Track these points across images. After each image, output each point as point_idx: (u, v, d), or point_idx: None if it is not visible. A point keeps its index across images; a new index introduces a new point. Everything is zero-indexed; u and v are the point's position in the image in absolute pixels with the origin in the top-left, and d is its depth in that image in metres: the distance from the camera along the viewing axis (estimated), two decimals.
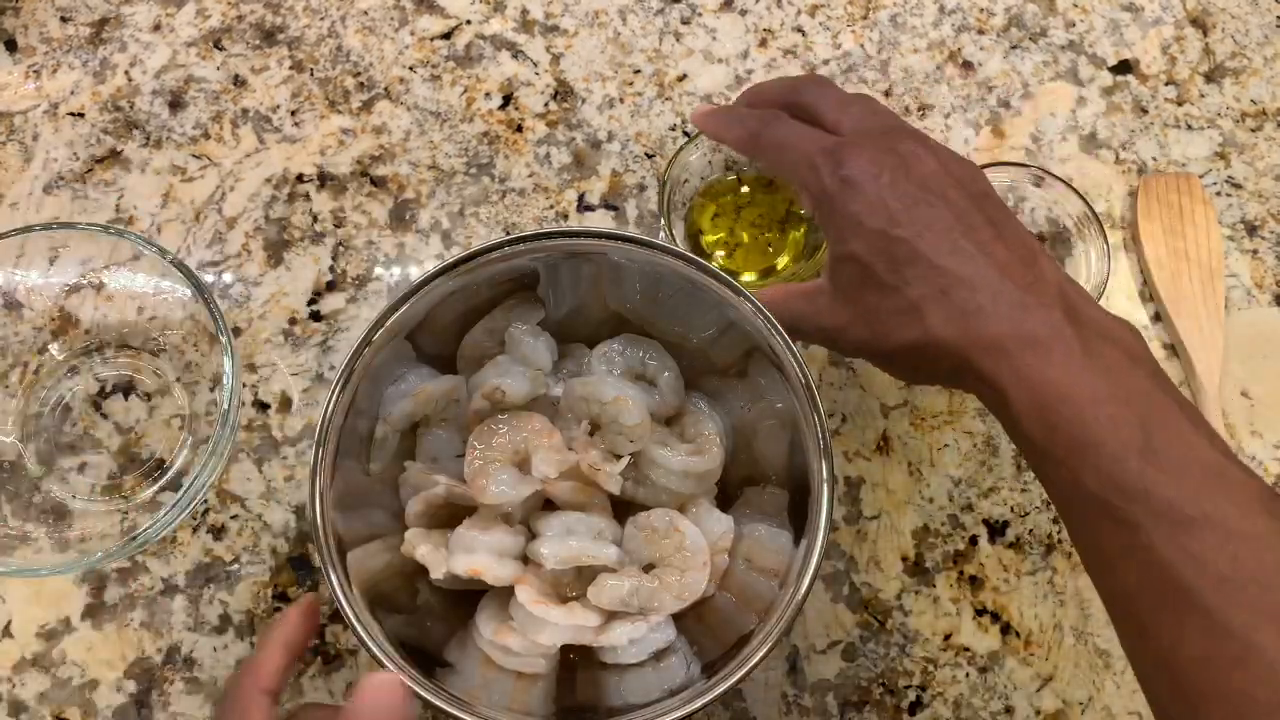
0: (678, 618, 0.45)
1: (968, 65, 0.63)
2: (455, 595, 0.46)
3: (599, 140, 0.61)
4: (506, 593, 0.44)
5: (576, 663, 0.46)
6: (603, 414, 0.45)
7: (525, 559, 0.45)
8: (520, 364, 0.47)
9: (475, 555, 0.43)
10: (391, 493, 0.47)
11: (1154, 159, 0.61)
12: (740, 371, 0.48)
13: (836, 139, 0.43)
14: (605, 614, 0.43)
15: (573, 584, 0.44)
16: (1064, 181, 0.56)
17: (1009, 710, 0.52)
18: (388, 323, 0.43)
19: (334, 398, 0.42)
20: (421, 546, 0.44)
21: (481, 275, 0.45)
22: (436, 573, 0.43)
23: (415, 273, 0.58)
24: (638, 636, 0.43)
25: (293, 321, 0.57)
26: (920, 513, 0.54)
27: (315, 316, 0.57)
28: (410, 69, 0.62)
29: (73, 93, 0.61)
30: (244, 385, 0.56)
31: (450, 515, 0.46)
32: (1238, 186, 0.61)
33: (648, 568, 0.44)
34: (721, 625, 0.45)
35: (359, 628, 0.39)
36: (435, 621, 0.46)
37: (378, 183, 0.60)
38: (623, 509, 0.47)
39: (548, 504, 0.46)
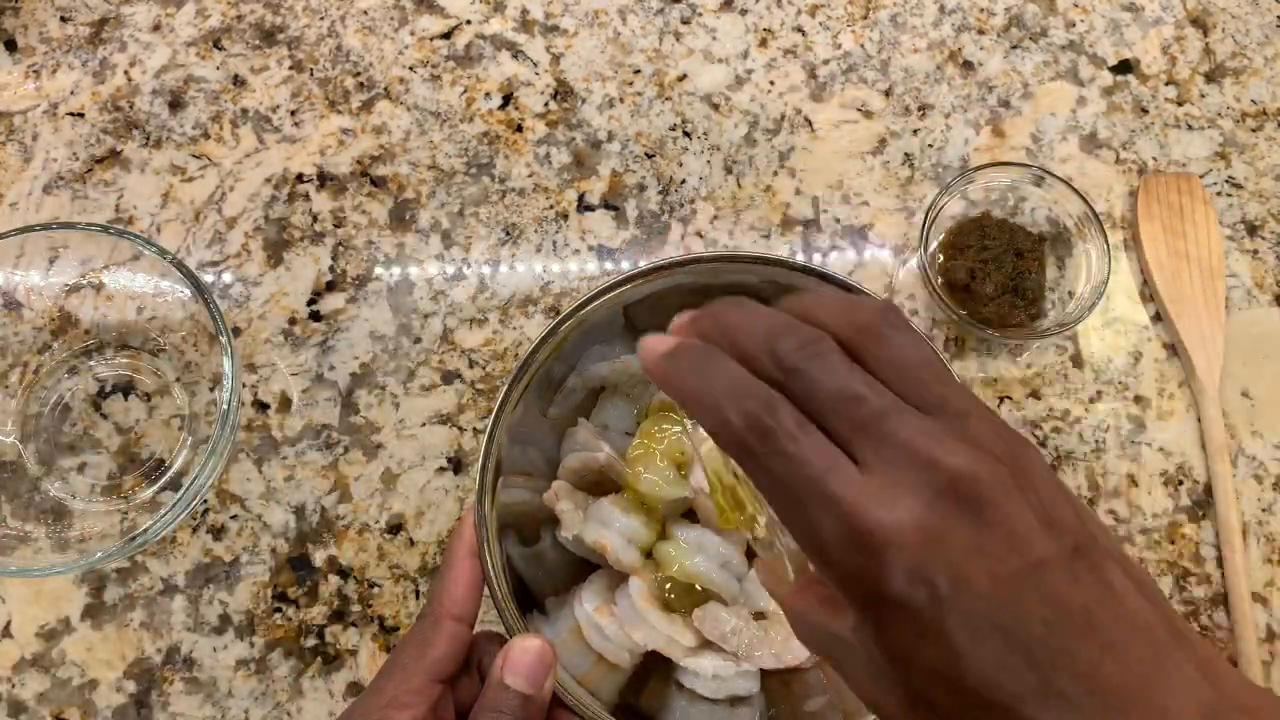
0: (766, 675, 0.45)
1: (968, 65, 0.63)
2: (570, 556, 0.47)
3: (599, 140, 0.61)
4: (618, 578, 0.45)
5: (654, 671, 0.46)
6: None
7: (649, 554, 0.45)
8: None
9: (607, 532, 0.44)
10: (555, 441, 0.49)
11: (1154, 159, 0.61)
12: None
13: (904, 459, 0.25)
14: (701, 640, 0.44)
15: (682, 598, 0.45)
16: (1064, 181, 0.56)
17: None
18: (630, 285, 0.45)
19: (563, 324, 0.44)
20: (564, 502, 0.45)
21: (722, 279, 0.46)
22: (567, 531, 0.45)
23: (415, 272, 0.58)
24: (723, 674, 0.43)
25: (292, 321, 0.57)
26: None
27: (315, 316, 0.57)
28: (410, 69, 0.62)
29: (73, 93, 0.61)
30: (244, 385, 0.56)
31: (597, 483, 0.47)
32: (1238, 186, 0.61)
33: (758, 615, 0.44)
34: (805, 701, 0.44)
35: (487, 551, 0.41)
36: (546, 569, 0.47)
37: (378, 183, 0.60)
38: (754, 550, 0.46)
39: (689, 513, 0.47)
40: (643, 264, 0.46)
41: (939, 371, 0.26)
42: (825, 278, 0.45)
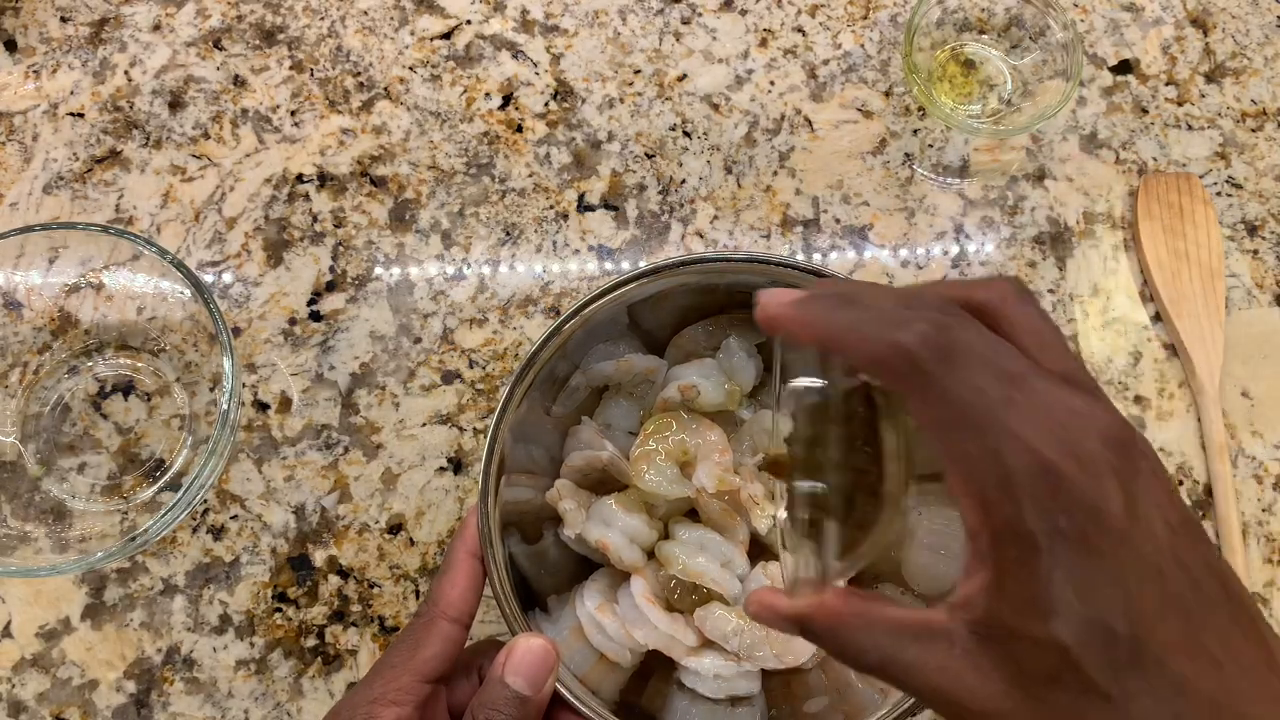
0: (767, 676, 0.45)
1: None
2: (573, 555, 0.47)
3: (599, 140, 0.61)
4: (621, 576, 0.45)
5: (655, 670, 0.46)
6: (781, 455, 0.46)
7: (651, 553, 0.45)
8: (724, 374, 0.47)
9: (609, 531, 0.44)
10: (558, 439, 0.49)
11: (1154, 159, 0.61)
12: (925, 477, 0.48)
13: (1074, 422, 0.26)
14: (703, 639, 0.44)
15: (684, 597, 0.45)
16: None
17: None
18: (635, 284, 0.45)
19: (567, 323, 0.44)
20: (566, 500, 0.45)
21: (727, 279, 0.47)
22: (570, 530, 0.45)
23: (415, 272, 0.58)
24: (724, 674, 0.43)
25: (292, 321, 0.57)
26: None
27: (315, 316, 0.57)
28: (410, 69, 0.62)
29: (73, 93, 0.61)
30: (244, 385, 0.56)
31: (600, 482, 0.47)
32: (1238, 186, 0.61)
33: None
34: (806, 702, 0.45)
35: (490, 549, 0.41)
36: (548, 567, 0.47)
37: (378, 183, 0.60)
38: (756, 551, 0.47)
39: (691, 513, 0.47)
40: (643, 264, 0.46)
41: (1065, 345, 0.28)
42: (828, 279, 0.45)
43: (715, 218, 0.60)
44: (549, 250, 0.59)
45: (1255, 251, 0.60)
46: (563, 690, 0.39)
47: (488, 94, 0.62)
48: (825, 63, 0.63)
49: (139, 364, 0.56)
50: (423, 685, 0.38)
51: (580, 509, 0.45)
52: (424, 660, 0.38)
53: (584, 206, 0.60)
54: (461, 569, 0.41)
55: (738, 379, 0.47)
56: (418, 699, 0.37)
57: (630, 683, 0.45)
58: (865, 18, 0.64)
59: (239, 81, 0.62)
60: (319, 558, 0.54)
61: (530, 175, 0.60)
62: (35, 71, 0.62)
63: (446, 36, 0.63)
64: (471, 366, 0.57)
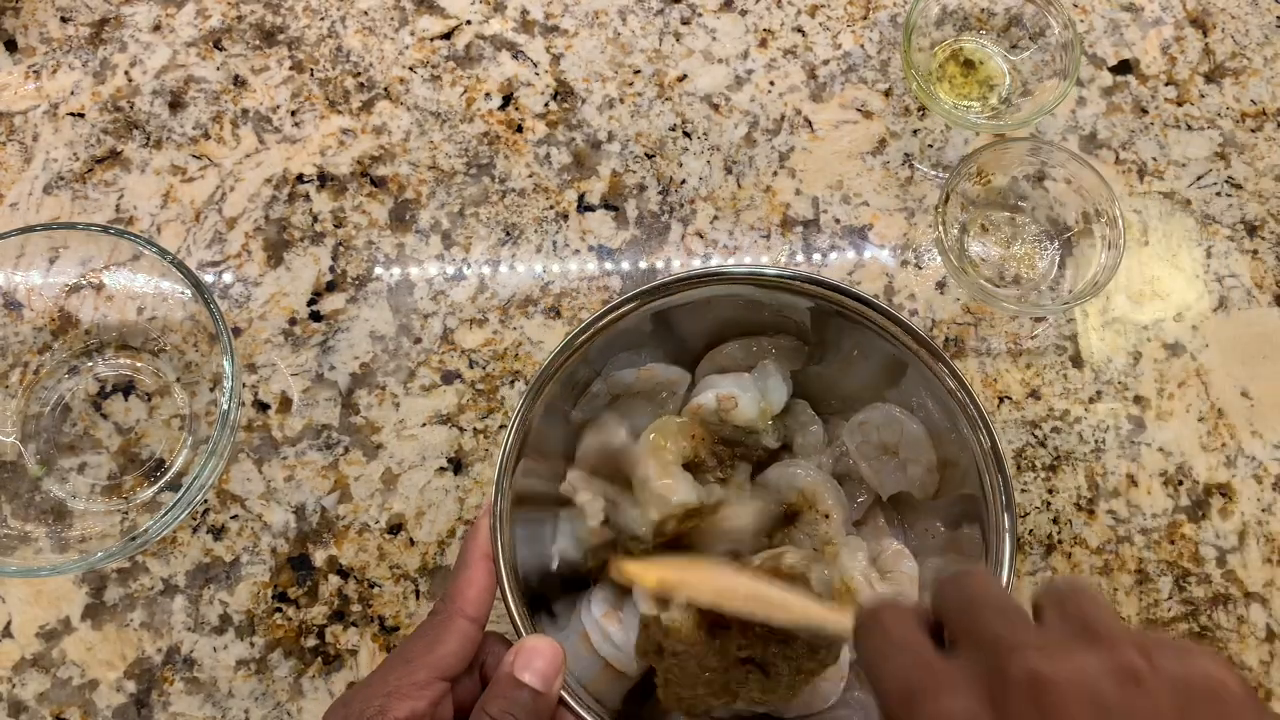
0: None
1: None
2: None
3: (599, 140, 0.61)
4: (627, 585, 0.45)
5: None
6: (801, 508, 0.46)
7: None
8: (758, 392, 0.48)
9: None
10: (575, 444, 0.49)
11: (1154, 159, 0.61)
12: (947, 522, 0.48)
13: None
14: None
15: None
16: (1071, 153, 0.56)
17: None
18: (670, 292, 0.45)
19: (602, 321, 0.44)
20: (583, 492, 0.45)
21: (772, 299, 0.47)
22: (593, 521, 0.44)
23: (415, 272, 0.58)
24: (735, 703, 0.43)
25: (293, 322, 0.57)
26: None
27: (315, 317, 0.57)
28: (410, 69, 0.62)
29: (73, 93, 0.61)
30: (244, 385, 0.56)
31: (612, 472, 0.47)
32: (1238, 186, 0.61)
33: None
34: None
35: (499, 551, 0.41)
36: (556, 571, 0.47)
37: (378, 183, 0.60)
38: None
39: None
40: (725, 263, 0.45)
41: None
42: (873, 307, 0.45)
43: (715, 218, 0.60)
44: (549, 250, 0.59)
45: (1255, 251, 0.60)
46: (567, 697, 0.39)
47: (488, 94, 0.62)
48: (825, 63, 0.63)
49: (139, 364, 0.56)
50: (439, 682, 0.38)
51: (597, 499, 0.45)
52: (441, 657, 0.38)
53: (584, 207, 0.60)
54: (479, 568, 0.40)
55: (770, 399, 0.47)
56: (434, 696, 0.37)
57: (634, 692, 0.45)
58: (865, 18, 0.64)
59: (239, 81, 0.62)
60: (319, 558, 0.54)
61: (530, 175, 0.60)
62: (35, 71, 0.62)
63: (446, 37, 0.63)
64: (472, 366, 0.57)
